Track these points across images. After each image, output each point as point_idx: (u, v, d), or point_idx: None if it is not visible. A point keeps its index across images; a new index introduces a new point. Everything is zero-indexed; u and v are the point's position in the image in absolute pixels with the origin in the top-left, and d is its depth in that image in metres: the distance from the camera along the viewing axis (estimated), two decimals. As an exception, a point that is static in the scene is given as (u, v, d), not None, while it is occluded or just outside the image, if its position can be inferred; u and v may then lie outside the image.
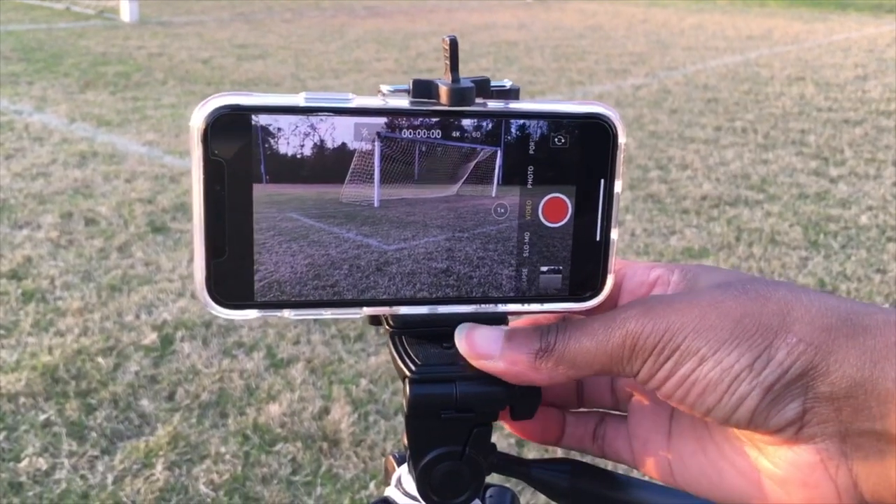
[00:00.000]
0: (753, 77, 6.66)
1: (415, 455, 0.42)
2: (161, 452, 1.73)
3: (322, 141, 0.38)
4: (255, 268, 0.38)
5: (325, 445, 1.78)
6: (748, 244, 3.02)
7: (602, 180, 0.40)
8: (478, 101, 0.39)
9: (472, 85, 0.38)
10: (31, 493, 1.60)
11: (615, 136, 0.40)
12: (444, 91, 0.38)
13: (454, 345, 0.41)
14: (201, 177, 0.37)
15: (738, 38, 9.32)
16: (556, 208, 0.40)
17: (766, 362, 0.34)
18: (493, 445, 0.43)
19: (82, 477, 1.65)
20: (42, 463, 1.68)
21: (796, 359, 0.34)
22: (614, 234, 0.41)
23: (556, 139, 0.39)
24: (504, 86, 0.40)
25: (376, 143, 0.38)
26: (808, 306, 0.35)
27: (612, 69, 6.90)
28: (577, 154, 0.40)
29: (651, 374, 0.36)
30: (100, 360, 2.05)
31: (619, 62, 7.27)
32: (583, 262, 0.41)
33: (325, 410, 1.90)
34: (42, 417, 1.82)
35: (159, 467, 1.68)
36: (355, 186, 0.39)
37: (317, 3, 11.63)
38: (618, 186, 0.41)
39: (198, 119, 0.36)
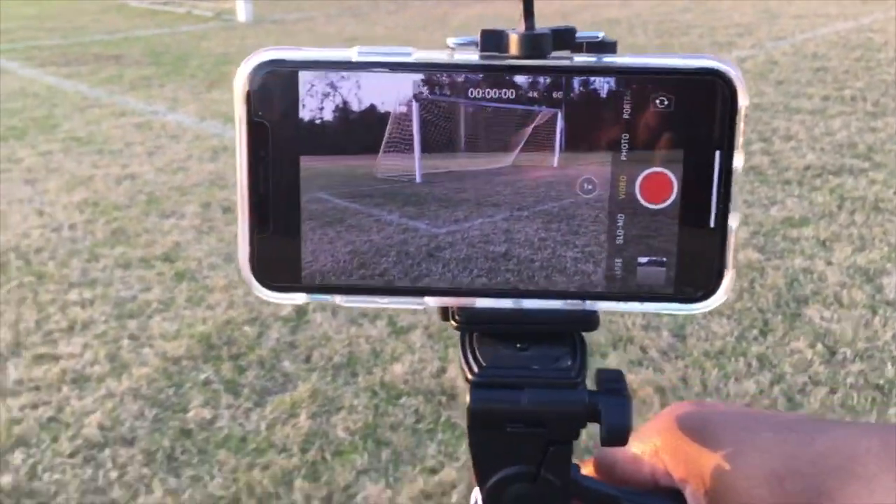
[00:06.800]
0: (866, 44, 6.48)
1: (480, 474, 0.36)
2: (304, 405, 1.99)
3: (368, 103, 0.33)
4: (302, 244, 0.34)
5: (443, 399, 2.00)
6: (850, 212, 3.06)
7: (718, 152, 0.33)
8: (563, 54, 0.33)
9: (547, 32, 0.32)
10: (199, 438, 1.89)
11: (734, 98, 0.32)
12: (514, 40, 0.32)
13: (530, 346, 0.35)
14: (245, 141, 0.34)
15: (851, 3, 9.00)
16: (657, 186, 0.33)
17: None
18: (577, 467, 0.37)
19: (240, 424, 1.94)
20: (206, 413, 1.97)
21: None
22: (733, 220, 0.33)
23: (658, 101, 0.32)
24: (596, 37, 0.34)
25: (414, 105, 0.33)
26: None
27: (717, 42, 6.85)
28: (686, 119, 0.33)
29: None
30: (246, 328, 2.35)
31: (724, 35, 7.20)
32: (692, 254, 0.34)
33: (442, 370, 2.12)
34: (202, 377, 2.12)
35: (303, 416, 1.94)
36: (391, 157, 0.33)
37: (420, -8, 11.91)
38: (737, 160, 0.33)
39: (240, 76, 0.34)
